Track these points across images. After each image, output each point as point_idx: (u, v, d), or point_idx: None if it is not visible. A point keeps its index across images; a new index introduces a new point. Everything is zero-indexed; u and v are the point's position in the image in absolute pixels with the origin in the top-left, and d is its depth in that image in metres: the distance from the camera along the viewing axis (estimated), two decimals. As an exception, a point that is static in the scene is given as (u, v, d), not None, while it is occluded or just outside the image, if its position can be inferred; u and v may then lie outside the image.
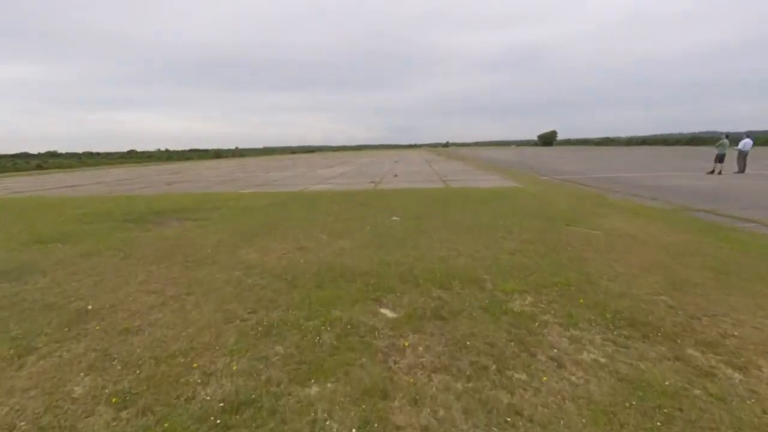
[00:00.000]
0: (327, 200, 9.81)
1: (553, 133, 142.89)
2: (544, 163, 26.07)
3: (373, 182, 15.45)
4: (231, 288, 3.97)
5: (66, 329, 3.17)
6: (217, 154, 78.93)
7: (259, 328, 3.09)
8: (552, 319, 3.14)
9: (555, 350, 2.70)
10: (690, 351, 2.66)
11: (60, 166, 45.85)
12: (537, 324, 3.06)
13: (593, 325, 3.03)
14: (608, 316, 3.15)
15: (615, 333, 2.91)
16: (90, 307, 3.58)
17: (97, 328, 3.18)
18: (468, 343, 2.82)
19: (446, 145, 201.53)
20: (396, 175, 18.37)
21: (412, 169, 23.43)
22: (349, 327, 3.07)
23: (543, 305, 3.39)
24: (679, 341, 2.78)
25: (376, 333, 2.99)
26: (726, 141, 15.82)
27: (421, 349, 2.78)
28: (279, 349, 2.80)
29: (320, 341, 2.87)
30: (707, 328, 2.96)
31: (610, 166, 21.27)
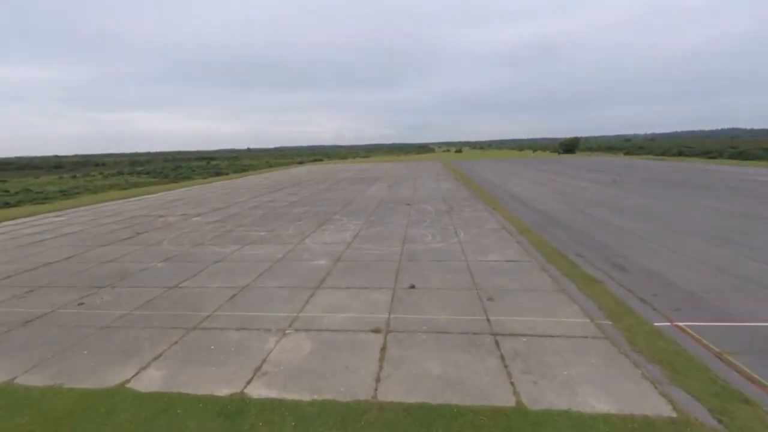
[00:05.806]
0: None
1: (576, 141, 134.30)
2: (609, 231, 19.58)
3: (377, 331, 9.57)
4: None
5: None
6: (218, 171, 74.20)
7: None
8: None
9: None
10: None
11: (34, 199, 41.09)
12: None
13: None
14: None
15: None
16: None
17: None
18: None
19: (460, 150, 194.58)
20: (413, 286, 12.49)
21: (433, 246, 17.51)
22: None
23: None
24: None
25: None
26: None
27: None
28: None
29: None
30: None
31: (723, 258, 14.75)
